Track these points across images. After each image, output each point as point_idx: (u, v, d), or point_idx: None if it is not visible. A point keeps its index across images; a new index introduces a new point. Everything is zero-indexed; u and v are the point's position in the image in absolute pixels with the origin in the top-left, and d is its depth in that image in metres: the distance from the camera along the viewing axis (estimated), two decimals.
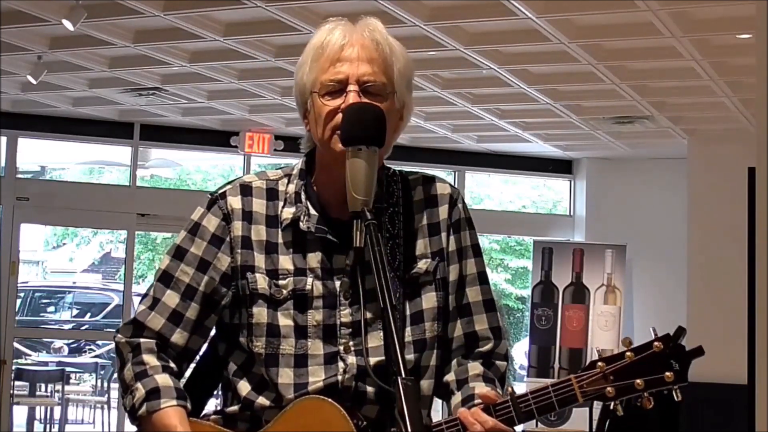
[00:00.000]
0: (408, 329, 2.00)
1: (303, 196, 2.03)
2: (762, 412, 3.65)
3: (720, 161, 9.01)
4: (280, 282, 1.99)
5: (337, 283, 1.99)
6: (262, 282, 1.99)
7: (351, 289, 1.98)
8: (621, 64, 6.86)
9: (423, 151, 10.27)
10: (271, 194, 2.05)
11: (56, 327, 13.86)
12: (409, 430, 1.67)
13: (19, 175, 9.64)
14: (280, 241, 2.01)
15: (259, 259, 2.00)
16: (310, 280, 1.99)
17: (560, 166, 10.82)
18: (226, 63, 7.08)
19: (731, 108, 7.97)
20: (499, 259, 15.22)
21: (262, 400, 1.98)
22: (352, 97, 1.94)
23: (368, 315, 1.98)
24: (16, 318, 10.04)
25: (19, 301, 10.87)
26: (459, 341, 2.07)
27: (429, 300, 2.02)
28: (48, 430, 10.42)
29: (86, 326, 13.68)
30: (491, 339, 2.08)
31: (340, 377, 1.95)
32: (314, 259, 1.99)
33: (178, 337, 2.00)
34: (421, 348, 2.00)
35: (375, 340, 1.97)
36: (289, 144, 9.60)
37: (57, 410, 10.50)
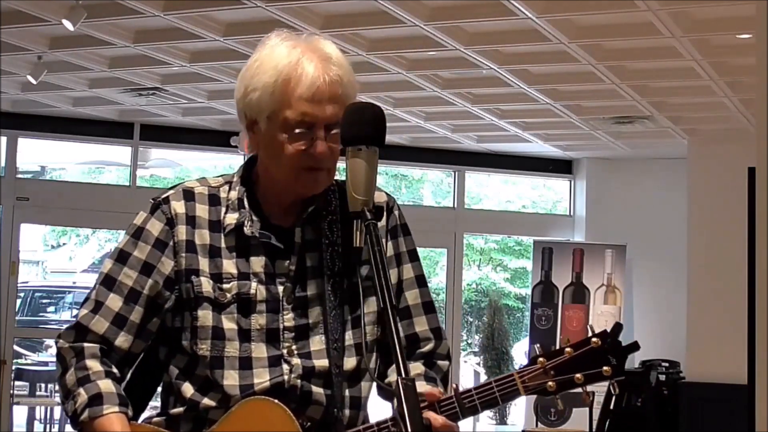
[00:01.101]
0: (349, 333, 2.04)
1: (246, 203, 2.06)
2: (762, 412, 3.65)
3: (720, 161, 9.02)
4: (224, 286, 2.02)
5: (280, 288, 2.03)
6: (206, 285, 2.01)
7: (293, 293, 2.03)
8: (621, 64, 6.86)
9: (423, 151, 10.27)
10: (213, 200, 2.08)
11: (56, 327, 13.85)
12: (409, 430, 1.67)
13: (19, 175, 9.64)
14: (224, 245, 2.04)
15: (204, 263, 2.03)
16: (253, 284, 2.02)
17: (560, 166, 10.83)
18: (226, 63, 7.07)
19: (731, 108, 7.97)
20: (498, 259, 15.22)
21: (207, 401, 2.00)
22: (320, 146, 1.98)
23: (310, 320, 2.02)
24: (16, 318, 10.03)
25: (19, 301, 10.87)
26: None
27: (370, 304, 2.05)
28: (48, 430, 10.42)
29: None
30: (431, 339, 2.13)
31: (286, 377, 1.99)
32: (258, 263, 2.03)
33: (122, 340, 2.02)
34: (361, 351, 2.04)
35: (317, 344, 2.02)
36: None
37: (57, 410, 10.49)
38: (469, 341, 14.71)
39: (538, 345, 1.95)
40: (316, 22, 6.01)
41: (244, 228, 2.04)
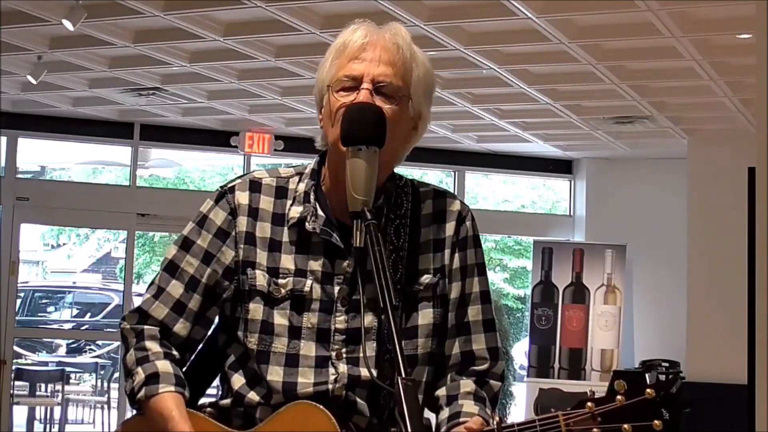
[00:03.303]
0: (403, 343, 1.99)
1: (312, 197, 2.03)
2: (762, 412, 3.65)
3: (720, 161, 9.01)
4: (280, 281, 2.00)
5: (336, 289, 2.00)
6: (261, 279, 2.00)
7: (349, 295, 1.99)
8: (621, 64, 6.86)
9: (423, 151, 10.25)
10: (281, 192, 2.06)
11: (56, 327, 13.86)
12: (409, 430, 1.67)
13: (19, 175, 9.64)
14: (285, 239, 2.02)
15: (261, 256, 2.01)
16: (309, 282, 2.00)
17: (560, 166, 10.82)
18: (226, 63, 7.08)
19: (731, 108, 7.97)
20: (497, 259, 15.22)
21: (252, 395, 1.99)
22: (363, 95, 1.95)
23: (365, 323, 1.98)
24: (16, 318, 10.03)
25: (19, 301, 10.87)
26: (455, 359, 2.06)
27: (425, 316, 2.03)
28: (48, 430, 10.42)
29: (86, 326, 13.67)
30: (488, 359, 2.08)
31: (330, 386, 1.96)
32: (316, 261, 2.00)
33: (180, 327, 2.02)
34: (413, 363, 1.99)
35: (369, 350, 1.98)
36: (289, 144, 9.60)
37: (57, 410, 10.50)
38: None
39: (590, 390, 1.87)
40: (316, 22, 6.02)
41: (306, 223, 2.01)
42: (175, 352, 2.02)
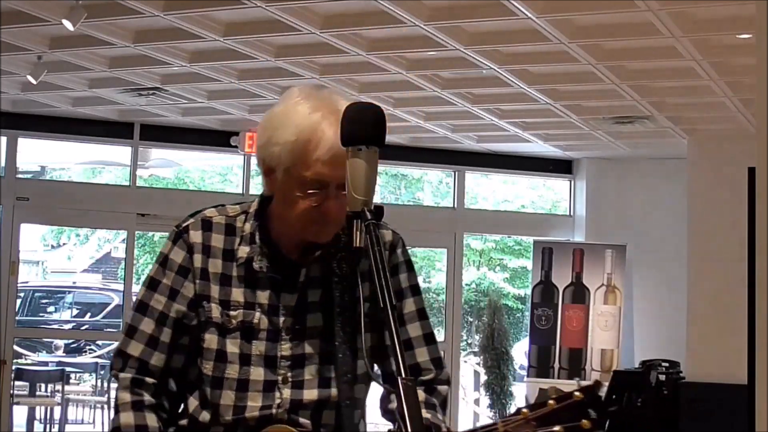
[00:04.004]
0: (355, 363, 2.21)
1: (257, 237, 2.21)
2: (762, 412, 3.65)
3: (720, 161, 9.02)
4: (231, 312, 2.19)
5: (281, 319, 2.19)
6: (215, 311, 2.19)
7: (293, 325, 2.19)
8: (621, 64, 6.86)
9: (423, 151, 10.27)
10: (230, 230, 2.24)
11: (56, 327, 13.85)
12: (409, 430, 1.68)
13: (19, 175, 9.64)
14: (235, 274, 2.22)
15: (215, 290, 2.21)
16: (257, 314, 2.19)
17: (560, 166, 10.83)
18: (226, 63, 7.08)
19: (731, 108, 7.97)
20: (498, 259, 15.23)
21: (204, 416, 2.19)
22: (332, 205, 2.10)
23: (306, 350, 2.19)
24: (16, 318, 10.03)
25: (19, 301, 10.86)
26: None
27: (367, 340, 2.19)
28: (48, 430, 10.41)
29: (86, 326, 13.67)
30: (432, 369, 2.27)
31: (274, 410, 2.16)
32: (263, 295, 2.20)
33: (156, 359, 2.22)
34: (353, 383, 2.19)
35: (310, 373, 2.19)
36: None
37: (57, 410, 10.49)
38: (469, 341, 14.72)
39: (526, 395, 1.98)
40: (316, 22, 6.02)
41: (254, 263, 2.20)
42: (145, 397, 2.19)
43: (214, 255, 2.22)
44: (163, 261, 2.24)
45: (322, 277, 2.21)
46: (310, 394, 2.17)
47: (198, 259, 2.21)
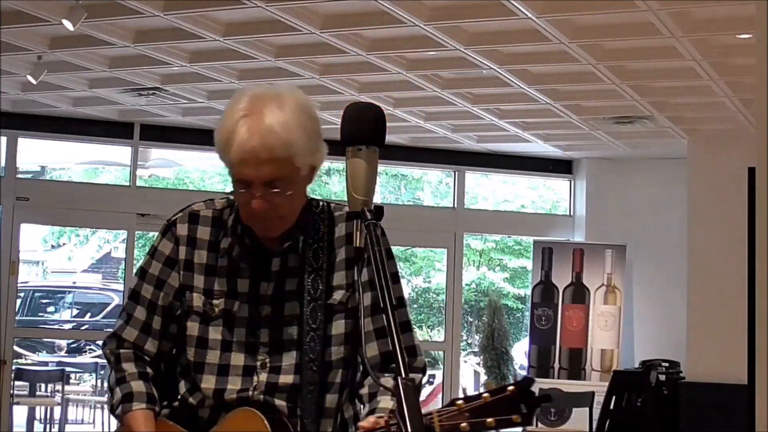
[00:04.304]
0: (327, 350, 2.30)
1: (239, 228, 2.30)
2: (762, 412, 3.65)
3: (720, 161, 9.01)
4: (214, 301, 2.31)
5: (261, 308, 2.29)
6: (197, 300, 2.31)
7: (272, 313, 2.29)
8: (621, 64, 6.86)
9: (423, 151, 10.27)
10: (217, 223, 2.35)
11: (56, 327, 13.85)
12: (409, 429, 1.68)
13: (19, 175, 9.64)
14: (219, 265, 2.32)
15: (198, 280, 2.32)
16: (238, 302, 2.30)
17: (560, 166, 10.82)
18: (226, 63, 7.08)
19: (731, 108, 7.97)
20: (497, 259, 15.22)
21: (192, 400, 2.31)
22: (256, 203, 2.18)
23: (284, 337, 2.28)
24: (16, 318, 10.03)
25: (19, 301, 10.86)
26: (376, 360, 2.31)
27: (338, 327, 2.30)
28: (48, 430, 10.41)
29: (86, 326, 13.67)
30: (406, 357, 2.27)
31: (250, 392, 2.27)
32: (244, 285, 2.30)
33: (150, 345, 2.36)
34: (328, 368, 2.29)
35: (288, 359, 2.28)
36: None
37: (57, 410, 10.49)
38: (469, 341, 14.71)
39: (464, 388, 2.01)
40: (316, 22, 6.02)
41: (233, 252, 2.31)
42: (148, 370, 2.35)
43: (200, 247, 2.33)
44: (153, 252, 2.37)
45: (300, 267, 2.29)
46: (286, 378, 2.27)
47: (183, 251, 2.33)
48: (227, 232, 2.32)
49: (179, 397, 2.34)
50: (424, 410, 1.97)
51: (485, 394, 2.01)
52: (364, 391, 2.32)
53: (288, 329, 2.28)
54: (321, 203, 2.37)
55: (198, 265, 2.32)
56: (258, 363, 2.27)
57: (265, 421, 2.19)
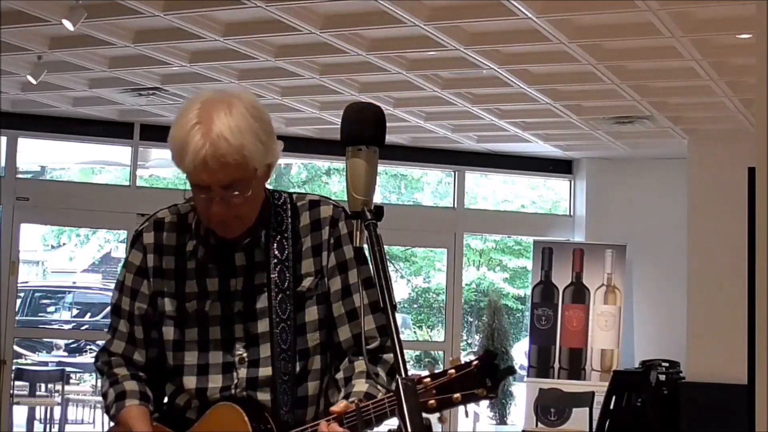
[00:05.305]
0: (298, 339, 2.32)
1: (202, 230, 2.34)
2: (762, 412, 3.66)
3: (720, 161, 9.02)
4: (187, 303, 2.34)
5: (233, 304, 2.32)
6: (169, 305, 2.35)
7: (244, 308, 2.31)
8: (621, 64, 6.86)
9: (423, 151, 10.27)
10: (182, 227, 2.38)
11: (56, 327, 13.86)
12: (409, 429, 1.68)
13: (19, 175, 9.64)
14: (188, 267, 2.35)
15: (170, 285, 2.36)
16: (209, 302, 2.32)
17: (560, 166, 10.82)
18: (226, 63, 7.08)
19: (731, 108, 7.97)
20: (497, 259, 15.23)
21: (179, 401, 2.36)
22: (216, 207, 2.20)
23: (259, 330, 2.31)
24: (16, 318, 10.03)
25: (19, 301, 10.87)
26: (348, 343, 2.34)
27: (311, 313, 2.33)
28: (48, 430, 10.42)
29: (86, 326, 13.68)
30: (377, 337, 2.33)
31: (233, 390, 2.30)
32: (213, 283, 2.33)
33: (138, 355, 2.41)
34: (306, 355, 2.32)
35: (265, 351, 2.30)
36: (289, 144, 9.56)
37: (57, 410, 10.50)
38: (469, 341, 14.72)
39: (429, 366, 2.04)
40: (316, 22, 6.02)
41: (198, 253, 2.34)
42: (141, 374, 2.40)
43: (167, 252, 2.36)
44: (126, 264, 2.42)
45: (265, 260, 2.32)
46: (265, 371, 2.29)
47: (151, 259, 2.37)
48: (191, 235, 2.35)
49: (168, 398, 2.39)
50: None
51: (451, 370, 2.02)
52: (339, 375, 2.33)
53: (260, 322, 2.31)
54: (283, 195, 2.40)
55: (167, 271, 2.36)
56: (236, 358, 2.30)
57: (244, 415, 2.23)
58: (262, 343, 2.30)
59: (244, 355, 2.30)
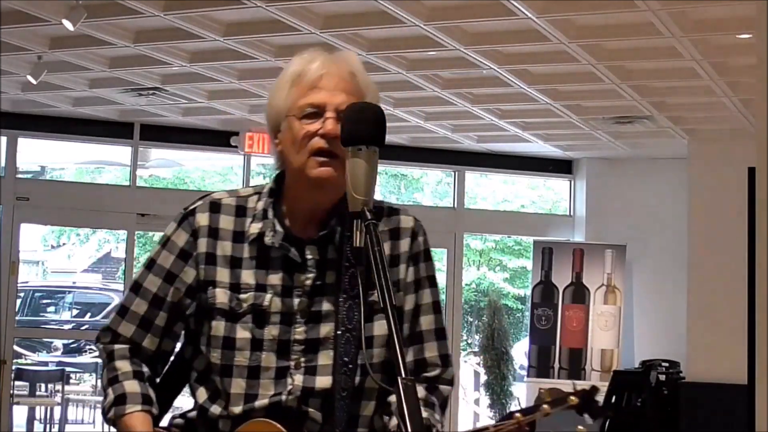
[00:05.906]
0: (360, 352, 2.10)
1: (270, 213, 2.13)
2: (762, 412, 3.66)
3: (720, 161, 9.02)
4: (241, 296, 2.10)
5: (296, 301, 2.10)
6: (221, 297, 2.10)
7: (308, 307, 2.09)
8: (621, 64, 6.86)
9: (423, 151, 10.27)
10: (240, 211, 2.16)
11: (56, 327, 13.85)
12: (409, 429, 1.68)
13: (19, 175, 9.64)
14: (245, 255, 2.12)
15: (222, 274, 2.11)
16: (269, 296, 2.10)
17: (560, 166, 10.82)
18: (226, 63, 7.08)
19: (731, 108, 7.97)
20: (497, 259, 15.22)
21: (214, 409, 2.11)
22: (330, 123, 2.05)
23: (321, 335, 2.09)
24: (16, 318, 10.03)
25: (19, 301, 10.86)
26: (409, 366, 2.11)
27: (380, 327, 2.10)
28: (48, 430, 10.42)
29: (86, 326, 13.66)
30: (439, 366, 2.18)
31: (284, 397, 2.07)
32: (275, 276, 2.10)
33: (148, 342, 2.16)
34: (367, 371, 2.09)
35: (324, 359, 2.08)
36: None
37: (57, 410, 10.50)
38: (469, 341, 14.71)
39: (518, 399, 1.95)
40: (316, 22, 6.02)
41: (265, 238, 2.11)
42: (144, 369, 2.15)
43: (222, 237, 2.13)
44: (165, 242, 2.17)
45: (337, 260, 2.10)
46: (323, 381, 2.07)
47: (203, 243, 2.12)
48: (256, 218, 2.12)
49: (197, 406, 2.14)
50: (479, 425, 1.88)
51: (545, 406, 1.89)
52: (393, 399, 2.09)
53: (323, 326, 2.08)
54: None
55: (221, 258, 2.11)
56: (292, 363, 2.07)
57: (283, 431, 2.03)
58: (323, 350, 2.08)
59: (301, 360, 2.07)
